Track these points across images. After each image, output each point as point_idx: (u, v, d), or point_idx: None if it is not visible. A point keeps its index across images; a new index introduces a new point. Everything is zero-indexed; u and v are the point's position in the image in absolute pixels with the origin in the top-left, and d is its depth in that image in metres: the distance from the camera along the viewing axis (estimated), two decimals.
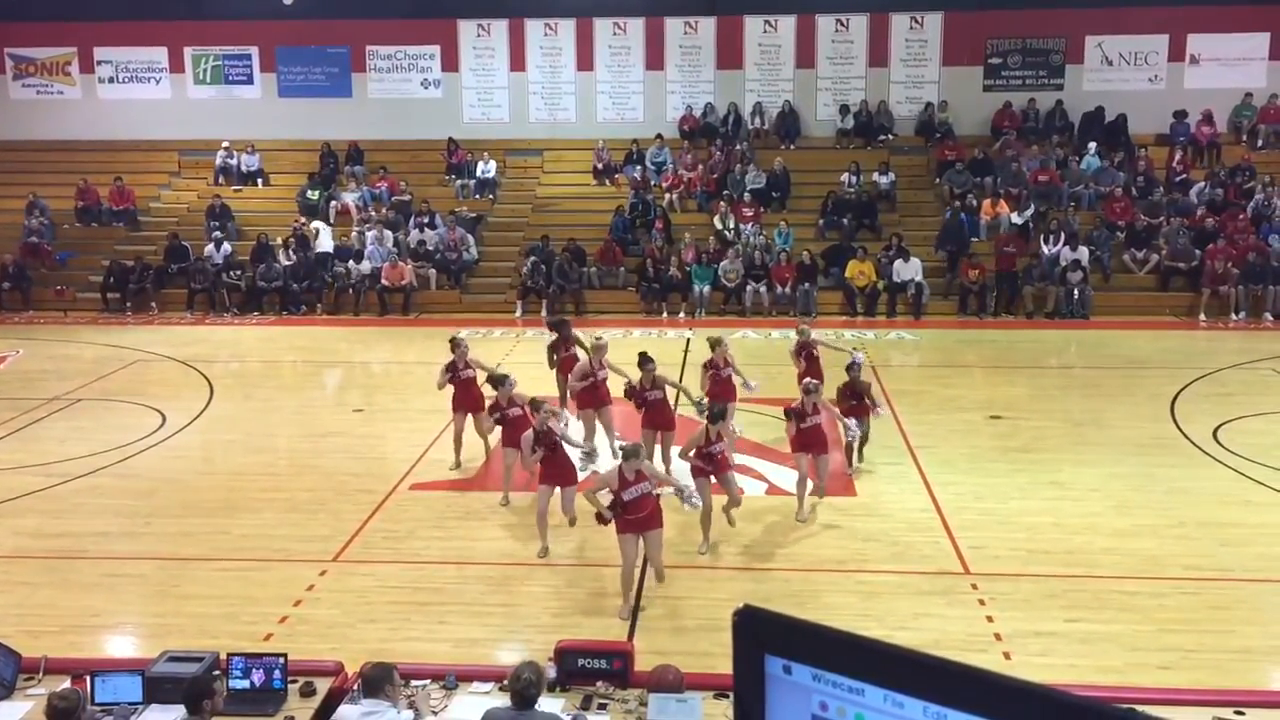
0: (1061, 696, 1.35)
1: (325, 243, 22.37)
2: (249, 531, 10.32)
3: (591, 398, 12.15)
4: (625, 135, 24.66)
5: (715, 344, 12.51)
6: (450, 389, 12.09)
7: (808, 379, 11.09)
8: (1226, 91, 23.91)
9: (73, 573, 9.46)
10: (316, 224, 22.69)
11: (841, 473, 11.55)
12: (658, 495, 8.85)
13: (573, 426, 12.40)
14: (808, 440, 10.52)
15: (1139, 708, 5.39)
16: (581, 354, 12.91)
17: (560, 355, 13.34)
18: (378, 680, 5.69)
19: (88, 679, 6.02)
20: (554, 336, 13.61)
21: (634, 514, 8.61)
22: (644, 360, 11.49)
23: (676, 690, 5.89)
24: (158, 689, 5.98)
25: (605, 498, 8.66)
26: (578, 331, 14.05)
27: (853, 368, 11.83)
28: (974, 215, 22.23)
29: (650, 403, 11.56)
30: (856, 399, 11.63)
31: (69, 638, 8.08)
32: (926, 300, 20.73)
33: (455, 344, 12.23)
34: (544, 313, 20.83)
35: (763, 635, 1.53)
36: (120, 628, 8.72)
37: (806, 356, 12.60)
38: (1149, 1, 23.67)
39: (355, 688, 6.11)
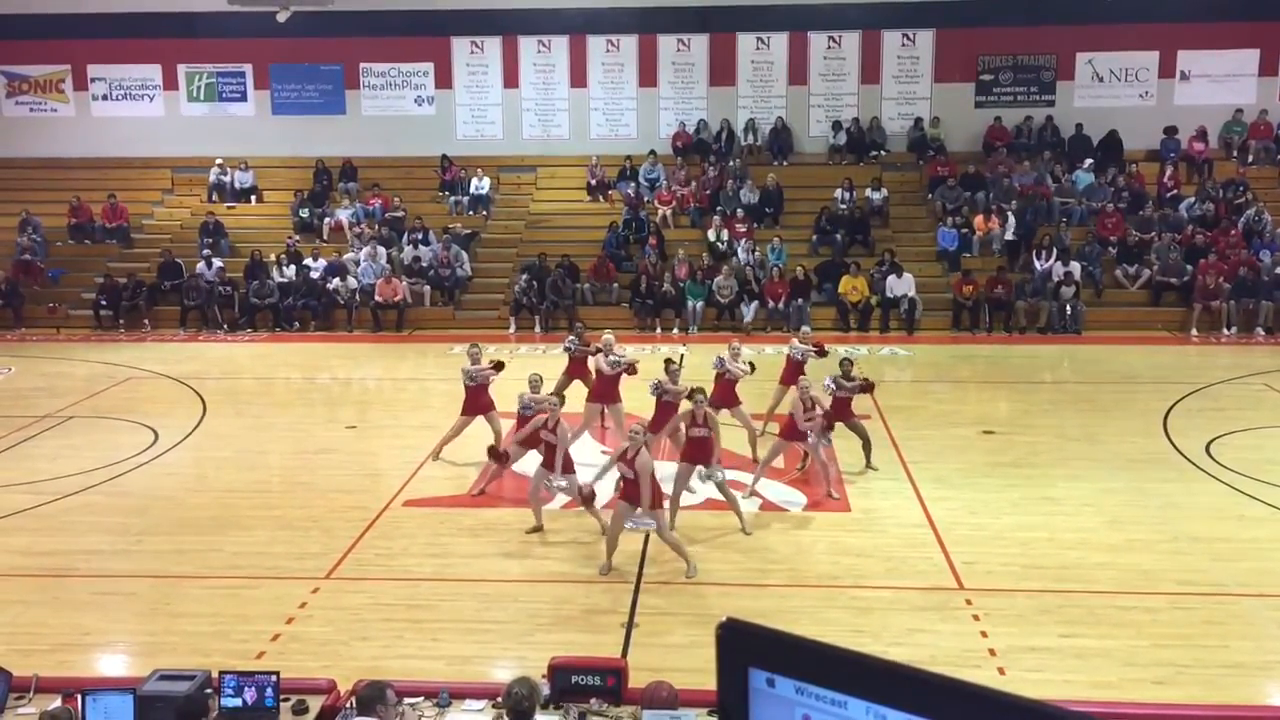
0: (1049, 710, 1.36)
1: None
2: (241, 549, 10.29)
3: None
4: (618, 152, 24.72)
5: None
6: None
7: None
8: (1217, 108, 24.06)
9: (64, 591, 9.42)
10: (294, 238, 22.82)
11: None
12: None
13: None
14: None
15: None
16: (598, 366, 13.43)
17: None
18: (370, 699, 5.67)
19: (79, 698, 5.98)
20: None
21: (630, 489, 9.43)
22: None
23: (670, 707, 5.88)
24: (149, 708, 5.94)
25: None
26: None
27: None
28: (967, 231, 22.31)
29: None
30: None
31: (60, 656, 8.03)
32: (919, 316, 20.77)
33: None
34: (537, 329, 20.91)
35: (746, 648, 1.53)
36: (112, 646, 8.68)
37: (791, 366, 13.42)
38: (1139, 18, 23.80)
39: (348, 705, 6.09)
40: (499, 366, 12.92)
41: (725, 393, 12.67)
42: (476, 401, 12.60)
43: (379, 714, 5.63)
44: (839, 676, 1.45)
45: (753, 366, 13.14)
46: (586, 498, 10.04)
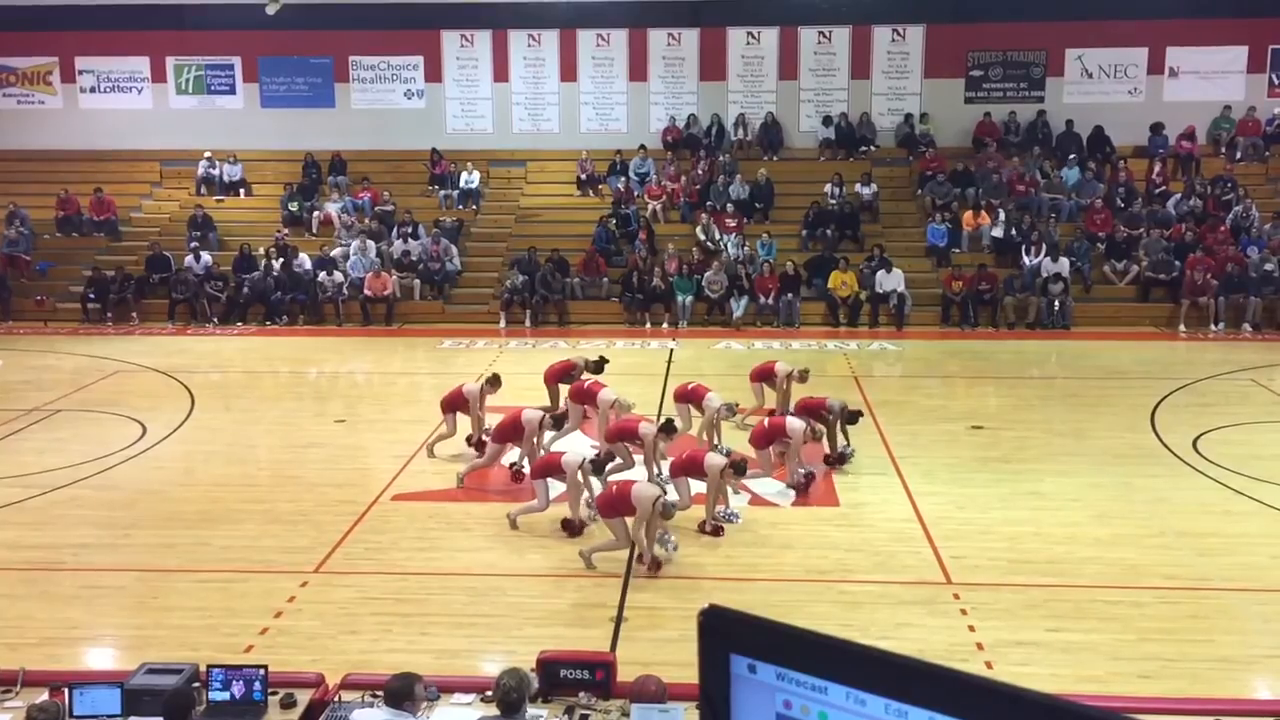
0: (1022, 693, 1.37)
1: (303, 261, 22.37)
2: (230, 543, 10.26)
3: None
4: (608, 146, 24.72)
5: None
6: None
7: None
8: (1205, 104, 24.14)
9: (51, 584, 9.39)
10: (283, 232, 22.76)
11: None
12: None
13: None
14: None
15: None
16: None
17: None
18: (399, 694, 5.61)
19: (66, 691, 5.97)
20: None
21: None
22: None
23: (659, 701, 5.88)
24: (137, 701, 5.93)
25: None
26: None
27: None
28: (955, 226, 22.36)
29: None
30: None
31: (47, 650, 8.01)
32: (909, 311, 20.81)
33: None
34: (527, 323, 20.90)
35: (728, 634, 1.54)
36: (99, 640, 8.66)
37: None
38: (1129, 15, 23.88)
39: (336, 699, 6.08)
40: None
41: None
42: (457, 398, 12.80)
43: (407, 710, 5.58)
44: (819, 662, 1.46)
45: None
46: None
